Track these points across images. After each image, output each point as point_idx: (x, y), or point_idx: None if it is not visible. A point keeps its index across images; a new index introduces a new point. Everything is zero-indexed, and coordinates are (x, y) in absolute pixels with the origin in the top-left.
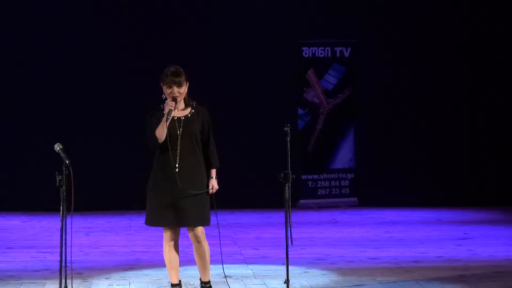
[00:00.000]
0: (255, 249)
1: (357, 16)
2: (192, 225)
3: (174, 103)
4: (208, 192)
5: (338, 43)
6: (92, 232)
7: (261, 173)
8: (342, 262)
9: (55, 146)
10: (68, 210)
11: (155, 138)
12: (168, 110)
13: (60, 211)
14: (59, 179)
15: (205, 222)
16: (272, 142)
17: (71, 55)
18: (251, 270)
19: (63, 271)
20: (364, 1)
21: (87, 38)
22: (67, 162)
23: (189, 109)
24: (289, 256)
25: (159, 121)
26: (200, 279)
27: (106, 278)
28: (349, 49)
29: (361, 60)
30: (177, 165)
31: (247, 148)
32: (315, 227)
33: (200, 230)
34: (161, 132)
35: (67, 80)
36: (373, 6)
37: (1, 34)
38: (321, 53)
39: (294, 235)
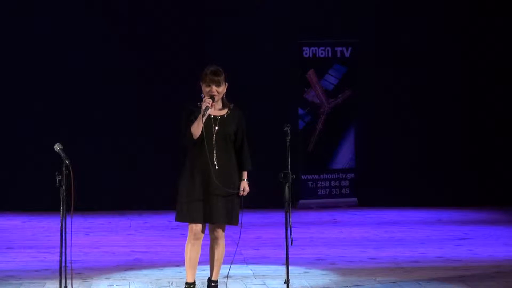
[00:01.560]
0: (255, 249)
1: (358, 16)
2: (221, 222)
3: (211, 100)
4: (239, 193)
5: (338, 43)
6: (92, 232)
7: (261, 173)
8: (342, 262)
9: (55, 146)
10: (68, 210)
11: (191, 134)
12: (205, 106)
13: (60, 211)
14: (59, 179)
15: (233, 222)
16: (272, 142)
17: (71, 54)
18: (251, 270)
19: (63, 271)
20: (364, 1)
21: (86, 38)
22: (67, 162)
23: (226, 110)
24: (289, 256)
25: (196, 118)
26: (209, 277)
27: (106, 278)
28: (349, 49)
29: (361, 60)
30: (215, 163)
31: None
32: (315, 227)
33: (222, 229)
34: (197, 128)
35: (67, 80)
36: (373, 5)
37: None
38: (322, 53)
39: (294, 235)
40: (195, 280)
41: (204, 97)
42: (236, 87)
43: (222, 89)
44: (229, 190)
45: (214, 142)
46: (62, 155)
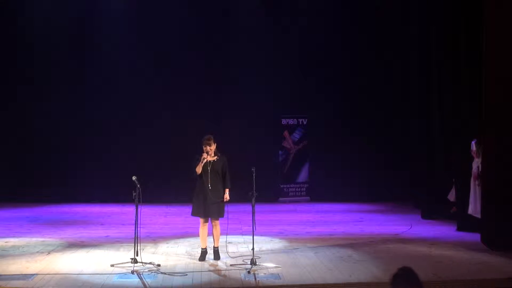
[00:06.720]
0: (249, 226)
1: (310, 100)
2: (214, 217)
3: (206, 154)
4: (223, 200)
5: (300, 116)
6: (167, 215)
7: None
8: (291, 234)
9: (133, 177)
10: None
11: (195, 171)
12: (202, 159)
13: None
14: (134, 195)
15: (221, 215)
16: (258, 172)
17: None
18: (243, 239)
19: (138, 238)
20: (313, 88)
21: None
22: (138, 186)
23: (216, 157)
24: (262, 230)
25: (199, 161)
26: (214, 245)
27: (166, 242)
28: (306, 120)
29: (311, 125)
30: (209, 186)
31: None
32: (283, 214)
33: (217, 219)
34: (199, 169)
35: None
36: (322, 91)
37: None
38: (292, 122)
39: (270, 218)
40: (206, 247)
41: (203, 153)
42: (238, 141)
43: (213, 146)
44: (217, 199)
45: (209, 175)
46: (137, 183)
